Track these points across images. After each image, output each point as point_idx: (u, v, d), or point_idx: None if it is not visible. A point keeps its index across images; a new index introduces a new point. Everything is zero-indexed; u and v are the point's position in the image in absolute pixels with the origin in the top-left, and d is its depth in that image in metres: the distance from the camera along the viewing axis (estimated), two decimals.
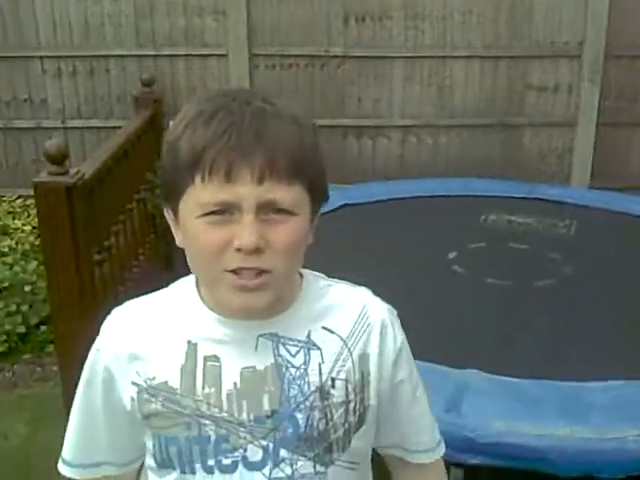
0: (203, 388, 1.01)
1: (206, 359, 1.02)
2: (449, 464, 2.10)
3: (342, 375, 1.05)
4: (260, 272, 0.94)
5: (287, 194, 0.95)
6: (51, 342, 3.41)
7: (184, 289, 1.09)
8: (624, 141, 4.88)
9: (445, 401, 2.15)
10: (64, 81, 4.53)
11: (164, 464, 1.06)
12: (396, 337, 1.11)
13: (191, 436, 1.02)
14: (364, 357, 1.07)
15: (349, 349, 1.06)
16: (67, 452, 1.14)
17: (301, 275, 1.10)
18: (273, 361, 1.02)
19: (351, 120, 4.76)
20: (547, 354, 2.54)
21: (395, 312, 1.15)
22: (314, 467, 1.04)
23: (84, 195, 2.78)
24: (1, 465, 2.82)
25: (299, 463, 1.02)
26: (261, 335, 1.02)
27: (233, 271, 0.94)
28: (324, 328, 1.06)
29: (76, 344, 2.62)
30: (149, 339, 1.06)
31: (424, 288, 3.00)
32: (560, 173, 4.86)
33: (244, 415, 1.01)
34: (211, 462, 1.02)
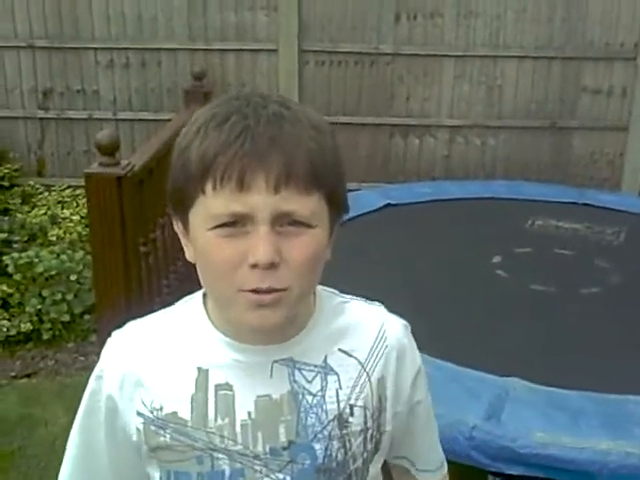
0: (215, 419, 0.94)
1: (218, 387, 0.94)
2: (487, 472, 2.09)
3: (360, 402, 0.98)
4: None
5: (305, 204, 0.86)
6: (94, 331, 3.48)
7: (191, 309, 1.00)
8: None
9: (485, 408, 2.12)
10: (116, 73, 4.61)
11: None
12: (415, 358, 1.05)
13: (204, 471, 0.95)
14: (382, 381, 1.01)
15: (367, 373, 1.00)
16: None
17: (314, 292, 1.01)
18: (289, 388, 0.95)
19: (398, 119, 4.74)
20: (591, 364, 2.49)
21: (410, 328, 1.08)
22: None
23: (134, 186, 2.82)
24: (41, 452, 2.88)
25: None
26: (276, 360, 0.95)
27: (249, 290, 0.87)
28: (341, 350, 0.99)
29: None
30: (155, 365, 0.97)
31: (467, 292, 2.96)
32: (610, 178, 4.76)
33: (259, 447, 0.94)
34: None
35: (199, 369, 0.95)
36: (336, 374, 0.97)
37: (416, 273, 3.13)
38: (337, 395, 0.97)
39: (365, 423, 0.98)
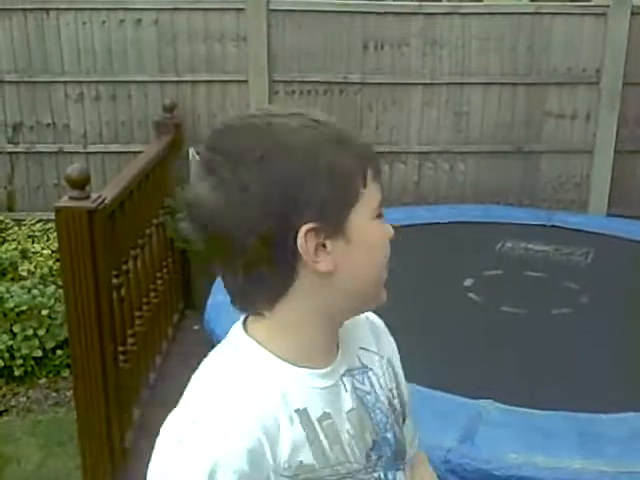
0: (332, 450, 0.94)
1: (320, 420, 0.93)
2: None
3: (391, 384, 1.09)
4: None
5: None
6: (67, 366, 3.44)
7: (247, 356, 0.94)
8: None
9: (459, 431, 2.14)
10: (86, 106, 4.61)
11: None
12: (388, 332, 1.16)
13: None
14: (390, 361, 1.11)
15: (382, 357, 1.09)
16: None
17: None
18: (355, 395, 1.00)
19: None
20: (563, 384, 2.53)
21: None
22: (405, 476, 1.08)
23: (105, 219, 2.81)
24: None
25: (397, 477, 1.05)
26: (342, 375, 0.98)
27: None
28: (362, 349, 1.06)
29: (92, 366, 2.66)
30: (261, 428, 0.88)
31: (439, 315, 2.99)
32: (578, 201, 4.85)
33: (361, 457, 0.98)
34: None
35: (298, 410, 0.92)
36: (371, 369, 1.05)
37: (389, 297, 3.15)
38: (380, 387, 1.05)
39: (399, 402, 1.09)
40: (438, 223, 4.00)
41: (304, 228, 0.87)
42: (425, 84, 4.72)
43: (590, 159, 4.79)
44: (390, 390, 1.07)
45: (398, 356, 1.15)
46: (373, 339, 1.09)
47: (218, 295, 3.04)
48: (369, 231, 0.92)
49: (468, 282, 3.30)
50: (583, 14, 4.68)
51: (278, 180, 0.86)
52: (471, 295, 3.18)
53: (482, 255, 3.61)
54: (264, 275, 0.90)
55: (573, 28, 4.68)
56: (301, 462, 0.90)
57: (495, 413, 2.24)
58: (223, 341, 0.99)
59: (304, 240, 0.88)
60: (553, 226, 3.99)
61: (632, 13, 4.61)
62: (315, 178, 0.87)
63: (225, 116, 0.97)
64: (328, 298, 0.93)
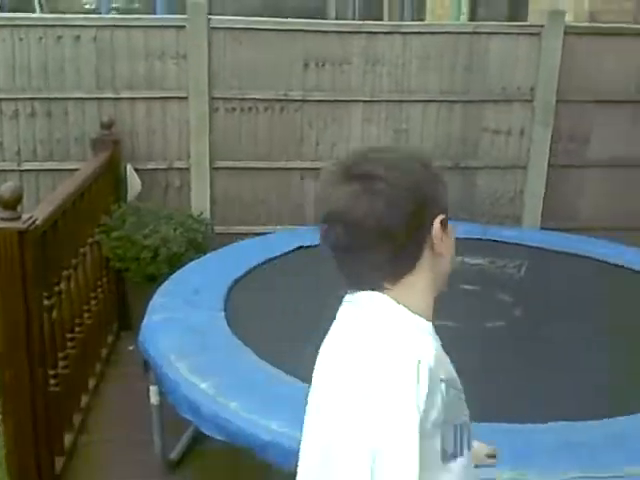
0: (460, 393, 1.20)
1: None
2: None
3: None
4: None
5: None
6: None
7: (409, 317, 1.19)
8: (575, 183, 5.01)
9: None
10: (21, 123, 4.53)
11: (454, 453, 1.14)
12: None
13: (464, 422, 1.18)
14: None
15: None
16: None
17: None
18: None
19: (309, 163, 4.82)
20: (496, 397, 2.57)
21: None
22: None
23: (36, 240, 2.76)
24: None
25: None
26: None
27: None
28: None
29: (21, 390, 2.60)
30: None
31: None
32: (512, 215, 4.96)
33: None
34: (468, 441, 1.19)
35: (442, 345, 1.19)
36: None
37: (325, 314, 3.16)
38: None
39: None
40: None
41: (439, 218, 1.18)
42: (365, 101, 4.78)
43: (524, 174, 4.91)
44: None
45: None
46: None
47: (153, 315, 3.01)
48: (451, 227, 1.22)
49: None
50: (519, 34, 4.81)
51: (421, 184, 1.18)
52: None
53: None
54: (404, 256, 1.18)
55: (509, 47, 4.80)
56: (455, 379, 1.18)
57: None
58: (377, 318, 1.19)
59: (438, 227, 1.18)
60: (488, 240, 4.07)
61: (565, 33, 4.76)
62: (437, 183, 1.21)
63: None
64: (435, 274, 1.22)
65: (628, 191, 5.08)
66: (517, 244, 4.01)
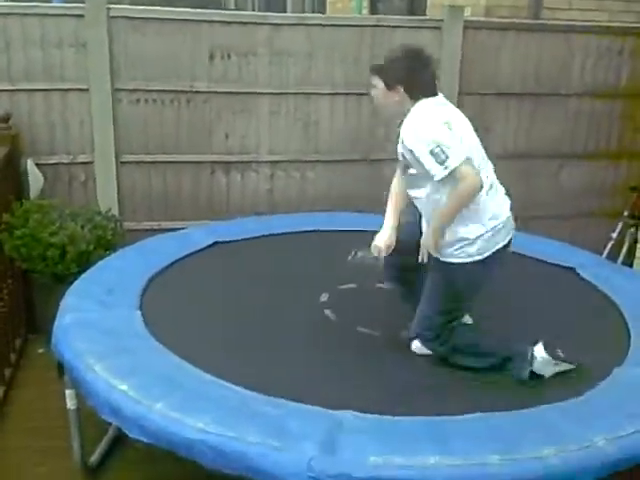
0: None
1: None
2: None
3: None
4: None
5: None
6: None
7: None
8: None
9: (321, 440, 2.17)
10: None
11: None
12: None
13: None
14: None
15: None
16: None
17: None
18: None
19: (219, 156, 4.76)
20: (417, 393, 2.63)
21: None
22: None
23: None
24: None
25: None
26: None
27: None
28: None
29: None
30: None
31: (294, 331, 3.01)
32: None
33: None
34: None
35: None
36: None
37: (243, 310, 3.14)
38: None
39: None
40: (293, 232, 4.03)
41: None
42: (272, 94, 4.76)
43: None
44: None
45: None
46: None
47: (66, 316, 2.89)
48: None
49: (324, 297, 3.33)
50: (420, 27, 4.91)
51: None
52: (327, 312, 3.20)
53: (336, 266, 3.66)
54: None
55: (411, 40, 4.85)
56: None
57: (354, 421, 2.29)
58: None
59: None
60: None
61: (465, 27, 4.90)
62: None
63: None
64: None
65: (528, 181, 5.31)
66: None
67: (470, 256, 2.74)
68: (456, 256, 2.75)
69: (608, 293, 3.50)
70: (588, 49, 5.20)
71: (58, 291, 3.20)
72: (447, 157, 2.59)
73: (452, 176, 2.62)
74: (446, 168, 2.59)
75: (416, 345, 2.93)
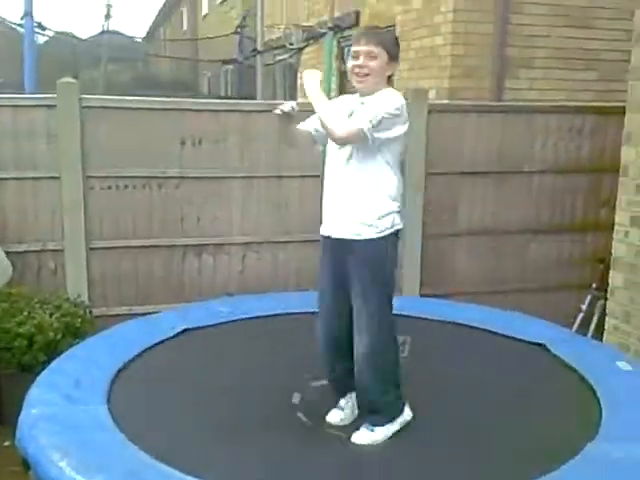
0: None
1: None
2: None
3: None
4: None
5: None
6: None
7: None
8: (446, 251, 5.27)
9: None
10: None
11: None
12: None
13: None
14: None
15: None
16: None
17: None
18: None
19: (190, 239, 4.79)
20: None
21: None
22: None
23: None
24: None
25: None
26: None
27: None
28: None
29: None
30: None
31: (264, 426, 2.93)
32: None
33: None
34: None
35: None
36: None
37: (216, 398, 3.09)
38: None
39: None
40: (264, 316, 4.01)
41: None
42: (244, 177, 4.84)
43: (400, 243, 5.07)
44: None
45: None
46: None
47: (31, 409, 2.83)
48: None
49: (296, 398, 3.24)
50: None
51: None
52: (300, 415, 3.13)
53: (308, 354, 3.63)
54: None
55: None
56: None
57: None
58: None
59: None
60: None
61: (429, 110, 5.06)
62: None
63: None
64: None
65: (496, 257, 5.39)
66: (399, 315, 4.11)
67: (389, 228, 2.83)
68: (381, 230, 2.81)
69: (579, 369, 3.52)
70: (549, 128, 5.38)
71: (25, 381, 3.14)
72: (379, 122, 2.68)
73: (367, 146, 2.73)
74: (372, 127, 2.66)
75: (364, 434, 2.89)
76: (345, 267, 2.85)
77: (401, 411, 2.97)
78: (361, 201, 2.81)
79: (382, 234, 2.81)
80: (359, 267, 2.82)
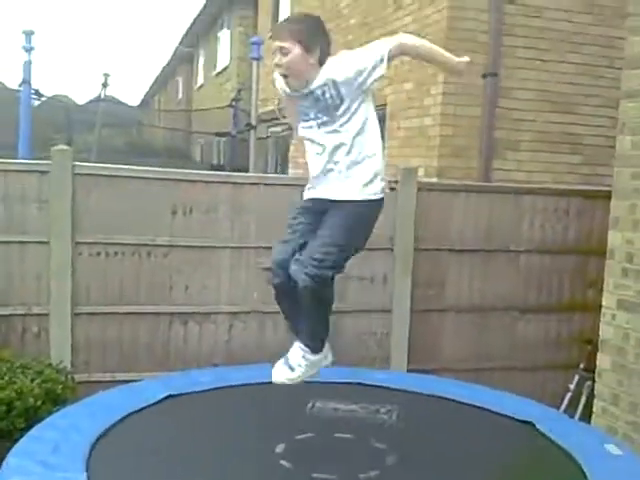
0: None
1: None
2: None
3: None
4: None
5: None
6: None
7: None
8: (434, 326, 5.27)
9: None
10: None
11: None
12: None
13: None
14: None
15: None
16: None
17: None
18: None
19: (177, 307, 4.76)
20: None
21: None
22: None
23: None
24: None
25: None
26: None
27: None
28: None
29: None
30: None
31: None
32: (380, 356, 5.10)
33: None
34: None
35: None
36: None
37: (198, 466, 3.03)
38: None
39: None
40: (248, 384, 3.97)
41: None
42: (233, 247, 4.86)
43: (389, 317, 5.10)
44: None
45: None
46: None
47: (12, 458, 2.76)
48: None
49: (280, 448, 3.26)
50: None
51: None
52: (283, 462, 3.12)
53: (294, 417, 3.60)
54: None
55: None
56: None
57: None
58: None
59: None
60: (359, 384, 4.11)
61: (418, 189, 5.15)
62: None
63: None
64: None
65: (483, 334, 5.39)
66: (387, 387, 4.08)
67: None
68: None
69: (568, 449, 3.47)
70: (535, 209, 5.47)
71: (2, 448, 3.06)
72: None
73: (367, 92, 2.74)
74: (382, 60, 2.66)
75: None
76: (324, 215, 2.83)
77: (322, 348, 3.17)
78: (355, 164, 2.79)
79: (372, 197, 2.82)
80: (340, 214, 2.81)
